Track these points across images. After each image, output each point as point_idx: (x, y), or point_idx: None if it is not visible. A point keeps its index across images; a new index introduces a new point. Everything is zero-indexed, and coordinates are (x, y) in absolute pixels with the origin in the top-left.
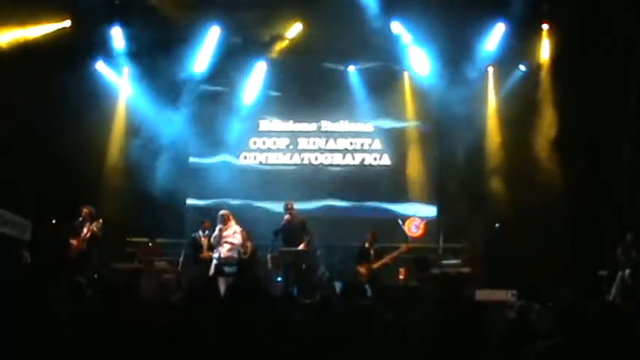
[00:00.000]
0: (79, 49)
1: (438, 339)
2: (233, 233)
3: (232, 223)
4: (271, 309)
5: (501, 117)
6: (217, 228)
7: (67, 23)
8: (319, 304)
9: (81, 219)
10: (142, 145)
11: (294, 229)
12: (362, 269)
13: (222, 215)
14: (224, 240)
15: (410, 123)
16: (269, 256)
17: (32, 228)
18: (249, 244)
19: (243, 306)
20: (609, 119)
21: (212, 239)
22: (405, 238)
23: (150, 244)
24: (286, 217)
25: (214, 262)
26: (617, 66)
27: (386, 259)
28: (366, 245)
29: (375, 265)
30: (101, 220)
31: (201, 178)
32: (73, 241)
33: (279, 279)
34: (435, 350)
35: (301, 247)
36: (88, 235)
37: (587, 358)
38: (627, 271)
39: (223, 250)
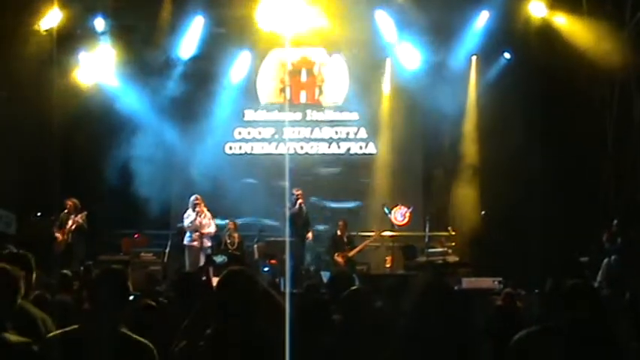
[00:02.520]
0: (63, 40)
1: (425, 327)
2: (209, 220)
3: (205, 209)
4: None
5: (486, 105)
6: (191, 213)
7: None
8: (305, 293)
9: (65, 211)
10: (125, 137)
11: (301, 218)
12: (339, 258)
13: (196, 200)
14: (202, 229)
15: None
16: (255, 246)
17: (17, 221)
18: (236, 234)
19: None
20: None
21: (186, 226)
22: (391, 225)
23: (135, 236)
24: (297, 205)
25: (207, 251)
26: None
27: (360, 247)
28: (338, 233)
29: (351, 253)
30: (86, 213)
31: (187, 169)
32: (59, 234)
33: (265, 269)
34: (421, 337)
35: (309, 236)
36: (73, 227)
37: (570, 344)
38: (613, 258)
39: (207, 242)
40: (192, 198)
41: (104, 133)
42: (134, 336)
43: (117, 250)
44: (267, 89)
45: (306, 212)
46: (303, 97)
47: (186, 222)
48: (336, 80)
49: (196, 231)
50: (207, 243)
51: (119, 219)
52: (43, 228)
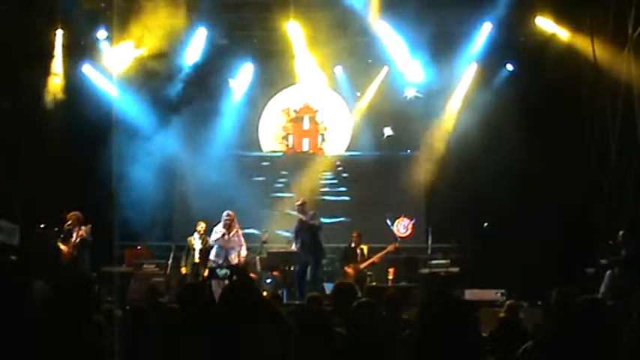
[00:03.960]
0: (66, 52)
1: (427, 338)
2: (239, 238)
3: (237, 226)
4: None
5: (487, 115)
6: (220, 230)
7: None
8: (308, 304)
9: (69, 224)
10: (126, 147)
11: (308, 229)
12: (349, 270)
13: (228, 217)
14: (230, 245)
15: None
16: (258, 258)
17: (20, 233)
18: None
19: (239, 307)
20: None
21: (212, 242)
22: (393, 238)
23: (138, 248)
24: (301, 217)
25: (211, 264)
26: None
27: (373, 259)
28: (352, 245)
29: (363, 265)
30: (90, 225)
31: (190, 179)
32: (64, 247)
33: (268, 281)
34: (424, 349)
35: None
36: (78, 240)
37: (574, 355)
38: (616, 270)
39: (230, 257)
40: (224, 214)
41: (105, 143)
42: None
43: (120, 261)
44: (269, 136)
45: (310, 222)
46: (305, 145)
47: (213, 237)
48: (339, 128)
49: (222, 247)
50: (233, 261)
51: (121, 230)
52: (46, 240)
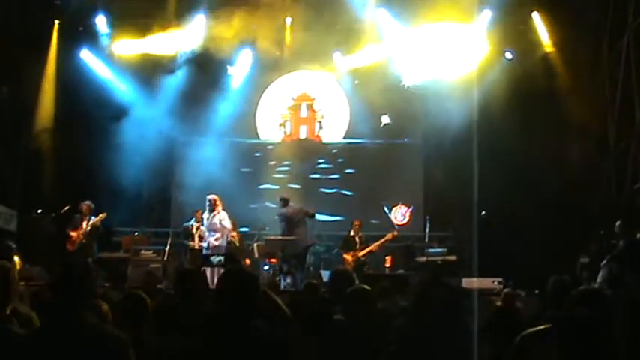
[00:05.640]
0: (64, 38)
1: (423, 326)
2: (220, 221)
3: (220, 209)
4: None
5: (485, 103)
6: (205, 215)
7: None
8: (304, 291)
9: (78, 212)
10: (124, 133)
11: (293, 219)
12: (347, 257)
13: (210, 201)
14: (212, 228)
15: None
16: (255, 244)
17: (18, 218)
18: (234, 233)
19: (235, 295)
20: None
21: (200, 229)
22: (391, 226)
23: (136, 234)
24: (283, 210)
25: (204, 251)
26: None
27: (372, 247)
28: (352, 233)
29: (361, 253)
30: (105, 214)
31: (189, 164)
32: (73, 233)
33: (265, 267)
34: (420, 337)
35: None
36: (89, 228)
37: (572, 345)
38: (613, 260)
39: (212, 239)
40: (208, 198)
41: (103, 129)
42: (104, 326)
43: (117, 247)
44: (267, 124)
45: (298, 213)
46: (303, 133)
47: (205, 224)
48: (336, 115)
49: (214, 231)
50: (214, 243)
51: (119, 217)
52: (43, 225)
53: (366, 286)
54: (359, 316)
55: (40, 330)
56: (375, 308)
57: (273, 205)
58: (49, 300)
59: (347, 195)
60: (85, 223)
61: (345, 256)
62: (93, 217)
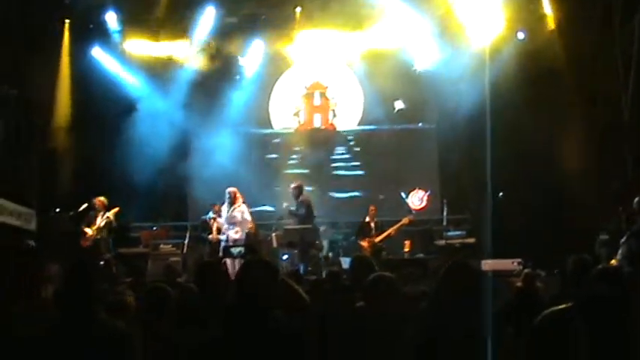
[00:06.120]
0: (75, 36)
1: (445, 310)
2: (242, 214)
3: (240, 201)
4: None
5: (500, 85)
6: (225, 208)
7: None
8: (326, 279)
9: (92, 209)
10: (139, 127)
11: (303, 209)
12: (364, 243)
13: (230, 194)
14: (232, 221)
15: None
16: (273, 234)
17: (37, 218)
18: (251, 225)
19: (256, 286)
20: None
21: (218, 221)
22: (408, 211)
23: (154, 228)
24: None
25: (222, 244)
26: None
27: (388, 232)
28: (367, 219)
29: (378, 239)
30: (118, 209)
31: (204, 156)
32: (87, 230)
33: (284, 257)
34: (442, 320)
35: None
36: (103, 224)
37: (593, 323)
38: (633, 237)
39: (231, 233)
40: (228, 191)
41: (116, 125)
42: (112, 322)
43: (136, 243)
44: (280, 113)
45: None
46: (317, 121)
47: (224, 217)
48: (350, 103)
49: (234, 224)
50: (234, 236)
51: (137, 212)
52: (62, 224)
53: (388, 273)
54: (381, 303)
55: (50, 328)
56: (398, 295)
57: (288, 196)
58: (59, 298)
59: (363, 181)
60: (98, 219)
61: (362, 242)
62: (107, 213)
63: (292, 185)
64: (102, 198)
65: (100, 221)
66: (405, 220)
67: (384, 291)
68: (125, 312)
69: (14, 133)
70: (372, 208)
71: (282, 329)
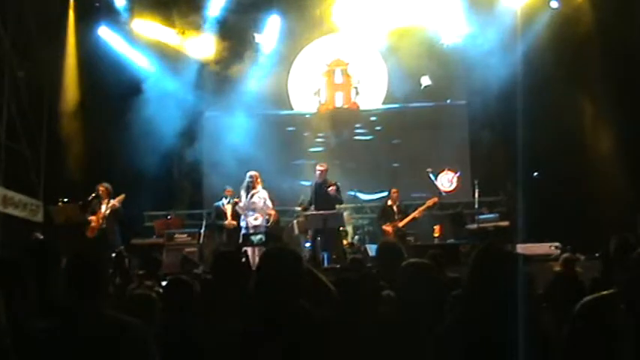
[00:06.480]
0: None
1: (478, 297)
2: (264, 200)
3: (260, 187)
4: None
5: (533, 57)
6: (243, 193)
7: None
8: (351, 267)
9: (95, 195)
10: (150, 112)
11: (322, 192)
12: (387, 228)
13: (252, 177)
14: (252, 207)
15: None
16: (295, 221)
17: (44, 209)
18: (272, 211)
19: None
20: None
21: (238, 207)
22: (437, 193)
23: (168, 217)
24: (316, 179)
25: (242, 231)
26: None
27: (413, 215)
28: (389, 203)
29: (402, 223)
30: (123, 195)
31: (219, 140)
32: (92, 218)
33: (307, 245)
34: (478, 308)
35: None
36: (108, 212)
37: (636, 309)
38: None
39: (251, 219)
40: (249, 174)
41: (126, 108)
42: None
43: (150, 233)
44: (300, 93)
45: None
46: (339, 100)
47: (244, 202)
48: (373, 80)
49: (254, 210)
50: (253, 223)
51: (150, 200)
52: (70, 214)
53: (422, 260)
54: (414, 291)
55: (56, 325)
56: (434, 282)
57: (308, 182)
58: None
59: (389, 164)
60: (103, 207)
61: (385, 227)
62: (112, 200)
63: (322, 168)
64: (106, 184)
65: (105, 209)
66: (430, 202)
67: (417, 278)
68: (147, 308)
69: (20, 119)
70: (394, 190)
71: (307, 321)
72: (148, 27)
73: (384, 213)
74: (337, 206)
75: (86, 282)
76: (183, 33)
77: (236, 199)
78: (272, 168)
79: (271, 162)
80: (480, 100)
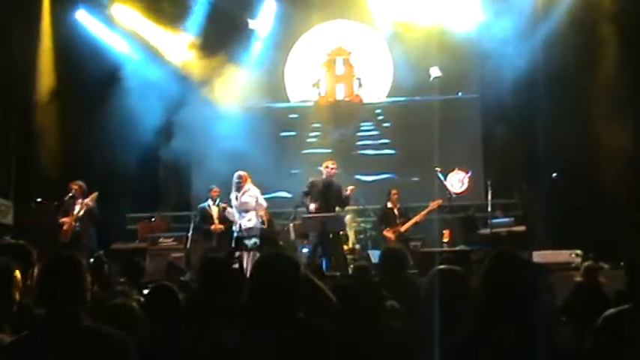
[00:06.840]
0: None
1: (492, 309)
2: (256, 198)
3: (250, 185)
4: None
5: (551, 46)
6: (233, 196)
7: None
8: (353, 275)
9: (70, 195)
10: (133, 105)
11: (330, 192)
12: (389, 234)
13: (239, 178)
14: (243, 207)
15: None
16: (291, 224)
17: (14, 210)
18: (264, 212)
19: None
20: None
21: (228, 212)
22: (447, 195)
23: (153, 220)
24: (323, 176)
25: (235, 234)
26: None
27: (415, 219)
28: (389, 205)
29: (403, 228)
30: (97, 193)
31: (209, 135)
32: (65, 219)
33: (304, 250)
34: (488, 322)
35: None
36: (82, 212)
37: None
38: None
39: (244, 221)
40: (237, 174)
41: (105, 97)
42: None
43: (132, 237)
44: (298, 84)
45: (337, 187)
46: (340, 93)
47: (234, 204)
48: (377, 71)
49: (245, 211)
50: (246, 224)
51: (132, 201)
52: (44, 216)
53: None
54: (444, 302)
55: (31, 335)
56: (467, 292)
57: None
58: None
59: (394, 161)
60: (77, 207)
61: (386, 234)
62: (85, 199)
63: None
64: (80, 182)
65: (79, 210)
66: (433, 205)
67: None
68: (127, 317)
69: None
70: (394, 192)
71: (305, 332)
72: (130, 11)
73: (384, 217)
74: (337, 209)
75: (61, 290)
76: (169, 17)
77: (224, 205)
78: (267, 166)
79: (266, 159)
80: (493, 93)
